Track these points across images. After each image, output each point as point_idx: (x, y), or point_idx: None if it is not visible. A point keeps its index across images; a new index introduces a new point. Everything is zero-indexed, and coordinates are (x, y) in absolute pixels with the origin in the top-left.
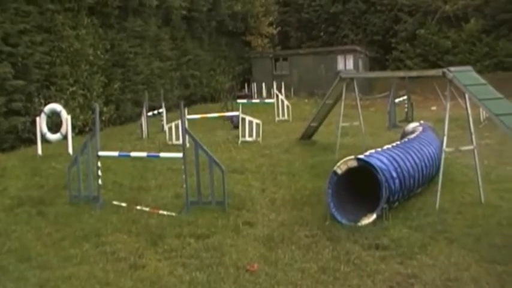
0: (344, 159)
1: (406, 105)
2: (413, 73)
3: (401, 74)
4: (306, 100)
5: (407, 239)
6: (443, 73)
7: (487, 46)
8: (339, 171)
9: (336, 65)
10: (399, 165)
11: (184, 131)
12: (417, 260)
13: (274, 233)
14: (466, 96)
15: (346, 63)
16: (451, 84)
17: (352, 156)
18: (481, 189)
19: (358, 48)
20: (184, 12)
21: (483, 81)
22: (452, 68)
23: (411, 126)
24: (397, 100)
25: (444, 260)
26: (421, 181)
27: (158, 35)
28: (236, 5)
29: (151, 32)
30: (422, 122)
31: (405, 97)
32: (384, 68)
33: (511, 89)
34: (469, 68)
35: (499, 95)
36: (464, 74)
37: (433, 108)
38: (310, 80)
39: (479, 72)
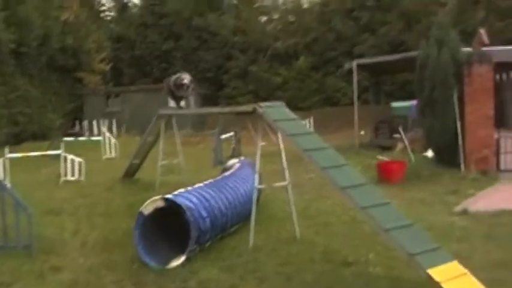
0: (151, 199)
1: (233, 142)
2: (226, 109)
3: (214, 110)
4: (137, 137)
5: (216, 281)
6: (254, 109)
7: (316, 82)
8: (146, 212)
9: (167, 102)
10: (210, 204)
11: None
12: None
13: (80, 278)
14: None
15: None
16: (262, 119)
17: (159, 196)
18: (296, 225)
19: None
20: (12, 46)
21: (293, 116)
22: (262, 104)
23: (230, 163)
24: (224, 136)
25: None
26: (235, 219)
27: None
28: (67, 38)
29: None
30: (242, 158)
31: (232, 133)
32: (215, 104)
33: (339, 123)
34: (280, 103)
35: (309, 131)
36: (275, 110)
37: (263, 143)
38: (141, 117)
39: (309, 108)
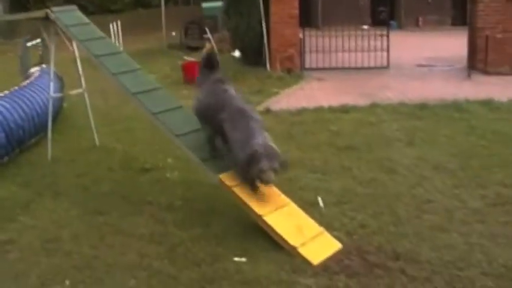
0: None
1: (40, 48)
2: (19, 16)
3: (6, 17)
4: None
5: (12, 199)
6: (47, 14)
7: None
8: None
9: None
10: (4, 117)
11: None
12: (18, 222)
13: None
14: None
15: None
16: (55, 25)
17: None
18: (95, 133)
19: None
20: None
21: (87, 20)
22: (55, 8)
23: (31, 71)
24: (31, 43)
25: (47, 218)
26: (34, 131)
27: None
28: None
29: None
30: (44, 65)
31: (39, 40)
32: (26, 10)
33: (151, 25)
34: (74, 7)
35: (102, 35)
36: (68, 14)
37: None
38: None
39: (121, 10)
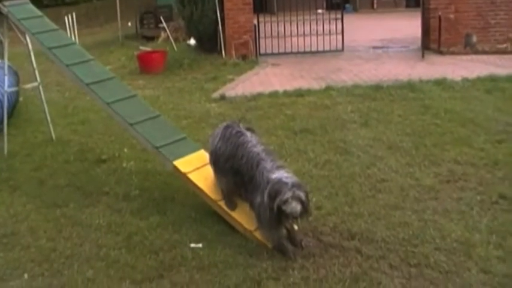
0: None
1: None
2: None
3: None
4: None
5: None
6: None
7: None
8: None
9: None
10: None
11: None
12: None
13: None
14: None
15: None
16: (8, 18)
17: None
18: (51, 126)
19: None
20: None
21: (39, 13)
22: (7, 2)
23: None
24: None
25: (4, 212)
26: None
27: None
28: None
29: None
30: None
31: None
32: None
33: (107, 16)
34: (26, 0)
35: (54, 27)
36: (20, 7)
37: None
38: None
39: (77, 2)
